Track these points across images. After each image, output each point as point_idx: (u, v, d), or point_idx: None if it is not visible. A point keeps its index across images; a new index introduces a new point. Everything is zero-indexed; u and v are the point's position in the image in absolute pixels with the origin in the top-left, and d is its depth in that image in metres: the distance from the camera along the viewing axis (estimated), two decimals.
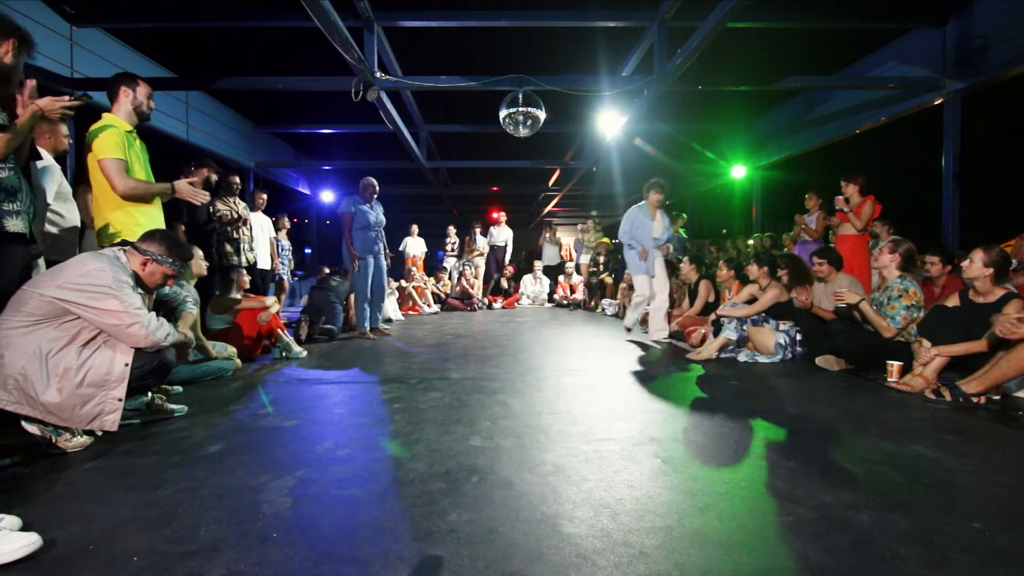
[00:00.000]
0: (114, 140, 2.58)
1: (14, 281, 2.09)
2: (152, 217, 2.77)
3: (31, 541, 1.31)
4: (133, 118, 2.74)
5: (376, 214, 5.10)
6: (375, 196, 5.15)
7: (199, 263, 3.55)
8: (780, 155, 8.14)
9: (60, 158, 2.95)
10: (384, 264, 5.24)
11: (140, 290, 2.22)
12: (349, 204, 5.00)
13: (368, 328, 5.19)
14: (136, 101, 2.74)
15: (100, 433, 2.11)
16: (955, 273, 3.70)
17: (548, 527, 1.42)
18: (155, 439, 2.17)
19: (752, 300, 4.07)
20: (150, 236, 2.29)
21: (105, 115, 2.69)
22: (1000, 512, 1.51)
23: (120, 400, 2.02)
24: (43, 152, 2.81)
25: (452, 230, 10.03)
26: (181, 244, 2.39)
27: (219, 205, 4.68)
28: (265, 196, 6.36)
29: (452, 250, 9.99)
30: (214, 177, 4.04)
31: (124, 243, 2.29)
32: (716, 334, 4.07)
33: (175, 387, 2.96)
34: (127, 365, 2.05)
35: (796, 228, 6.01)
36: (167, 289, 2.94)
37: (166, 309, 2.79)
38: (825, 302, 3.96)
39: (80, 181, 3.09)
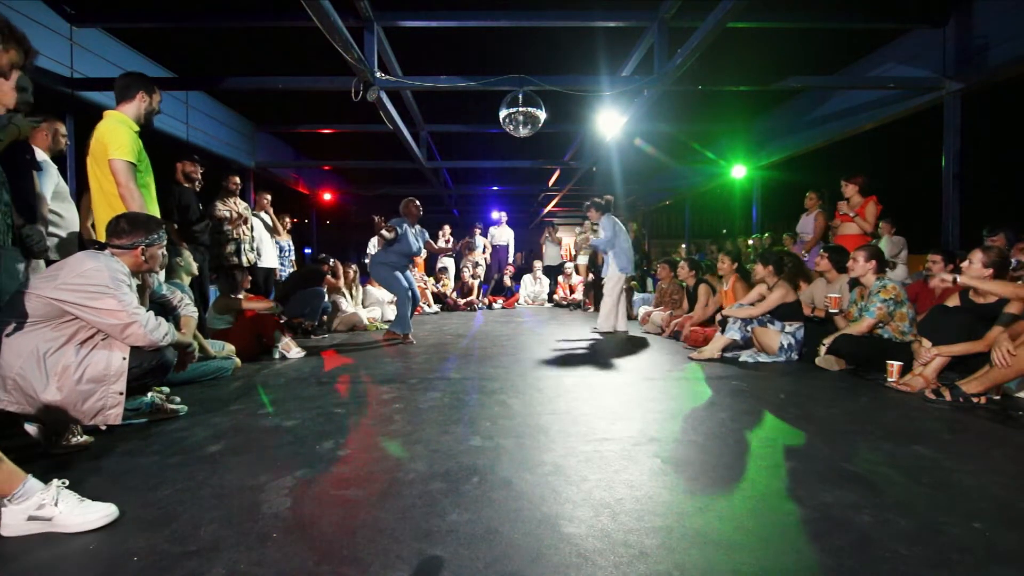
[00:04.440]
0: (129, 142, 2.55)
1: None
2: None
3: (110, 512, 1.45)
4: (141, 121, 2.74)
5: (419, 244, 5.14)
6: (419, 217, 5.18)
7: (190, 262, 3.54)
8: (780, 155, 8.13)
9: (58, 158, 2.94)
10: (411, 273, 5.27)
11: (138, 280, 2.18)
12: (399, 223, 4.94)
13: (410, 331, 5.01)
14: (150, 108, 2.73)
15: (104, 428, 2.11)
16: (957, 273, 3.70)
17: (548, 527, 1.42)
18: (155, 439, 2.17)
19: (761, 300, 4.05)
20: (120, 230, 2.18)
21: (115, 112, 2.63)
22: (1000, 512, 1.51)
23: (121, 394, 2.01)
24: (40, 152, 2.80)
25: (447, 229, 10.01)
26: (147, 216, 2.34)
27: (219, 206, 4.69)
28: (269, 196, 6.37)
29: None
30: (191, 168, 3.97)
31: (97, 244, 2.20)
32: (722, 333, 4.05)
33: (162, 387, 2.78)
34: (125, 359, 2.03)
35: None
36: (163, 289, 2.93)
37: (163, 311, 2.77)
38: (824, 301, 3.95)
39: (84, 187, 3.06)
